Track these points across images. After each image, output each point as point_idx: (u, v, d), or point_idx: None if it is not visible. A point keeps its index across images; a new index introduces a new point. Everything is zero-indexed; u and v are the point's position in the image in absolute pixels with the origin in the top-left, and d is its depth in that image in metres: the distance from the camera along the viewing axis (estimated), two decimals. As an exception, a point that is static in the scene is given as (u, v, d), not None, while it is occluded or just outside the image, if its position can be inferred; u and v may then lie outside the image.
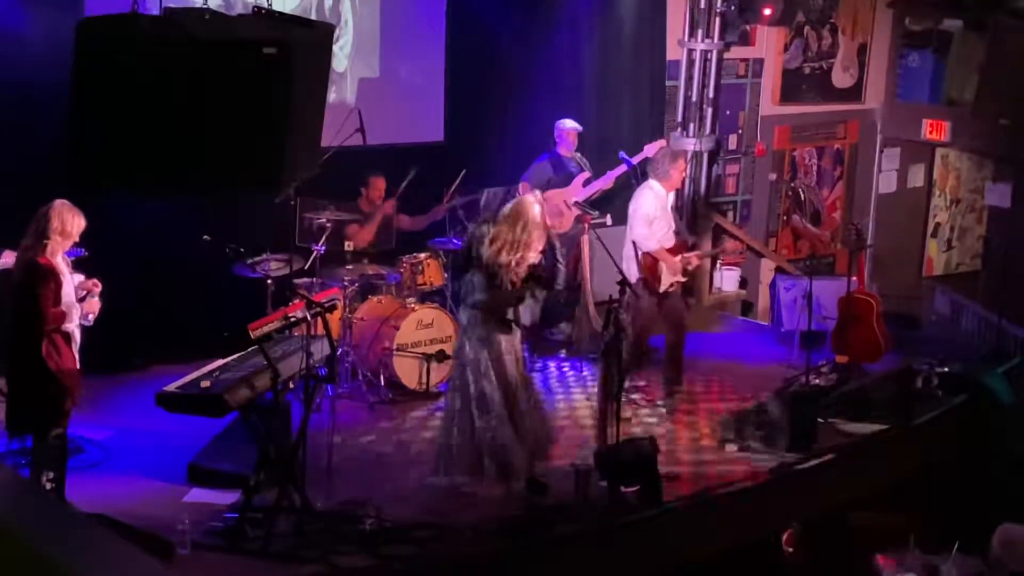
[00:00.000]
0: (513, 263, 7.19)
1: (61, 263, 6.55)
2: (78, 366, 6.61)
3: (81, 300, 6.69)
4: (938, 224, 14.45)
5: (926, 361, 9.47)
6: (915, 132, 13.16)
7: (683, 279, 8.98)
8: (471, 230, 7.61)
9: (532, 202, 7.32)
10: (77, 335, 6.67)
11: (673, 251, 8.85)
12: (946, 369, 9.35)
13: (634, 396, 8.84)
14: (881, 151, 13.71)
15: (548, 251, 7.56)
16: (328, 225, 8.63)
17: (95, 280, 6.81)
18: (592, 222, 9.66)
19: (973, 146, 13.50)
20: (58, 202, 6.55)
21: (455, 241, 9.17)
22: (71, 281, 6.62)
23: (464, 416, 7.31)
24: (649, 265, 8.74)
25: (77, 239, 6.63)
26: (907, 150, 13.83)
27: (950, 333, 10.94)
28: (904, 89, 13.43)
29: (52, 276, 6.42)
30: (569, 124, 10.14)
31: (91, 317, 6.76)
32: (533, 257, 7.30)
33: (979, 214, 14.60)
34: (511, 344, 7.33)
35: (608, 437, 7.64)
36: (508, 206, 7.34)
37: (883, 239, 13.51)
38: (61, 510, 4.42)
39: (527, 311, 7.57)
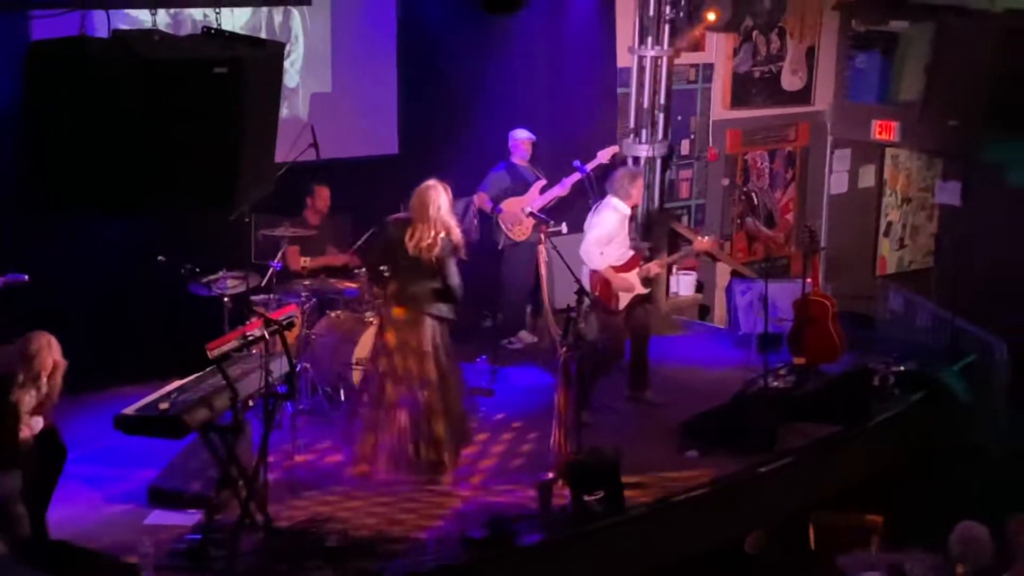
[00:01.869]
0: (431, 243, 7.47)
1: (27, 401, 6.40)
2: None
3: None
4: (890, 223, 14.58)
5: (882, 360, 9.57)
6: (864, 133, 13.28)
7: (644, 290, 8.99)
8: (388, 236, 7.73)
9: (430, 186, 7.60)
10: None
11: (627, 267, 8.87)
12: (902, 368, 9.44)
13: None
14: (832, 152, 13.82)
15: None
16: (284, 241, 8.63)
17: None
18: (548, 231, 9.69)
19: (922, 145, 13.63)
20: (43, 338, 6.41)
21: None
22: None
23: (392, 413, 7.55)
24: (599, 285, 8.74)
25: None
26: (857, 151, 13.95)
27: (905, 331, 11.05)
28: (853, 90, 13.54)
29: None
30: (523, 134, 10.18)
31: None
32: (455, 236, 7.57)
33: (930, 212, 14.75)
34: (433, 338, 7.57)
35: (570, 446, 7.67)
36: (412, 201, 7.61)
37: (836, 239, 13.62)
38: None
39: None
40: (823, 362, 9.62)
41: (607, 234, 8.77)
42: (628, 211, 8.93)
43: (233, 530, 6.57)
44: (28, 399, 6.36)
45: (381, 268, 7.75)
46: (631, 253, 8.96)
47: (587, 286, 8.59)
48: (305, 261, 9.10)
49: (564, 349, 7.78)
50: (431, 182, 7.65)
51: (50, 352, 6.42)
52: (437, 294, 7.61)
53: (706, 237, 10.01)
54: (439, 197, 7.57)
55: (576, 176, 9.98)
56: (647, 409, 9.02)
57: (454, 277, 7.62)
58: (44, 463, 6.49)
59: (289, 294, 8.66)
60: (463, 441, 7.92)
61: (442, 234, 7.52)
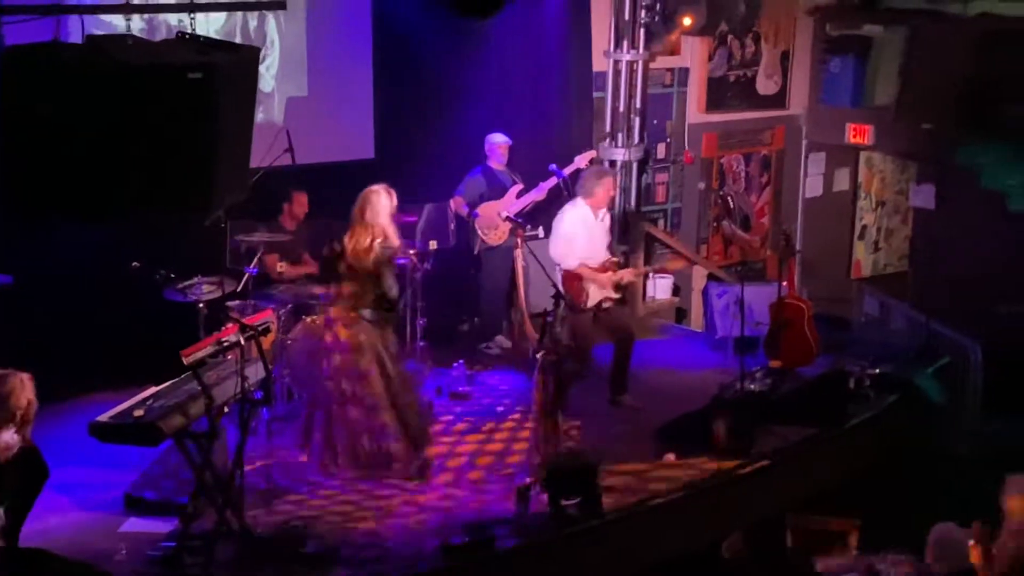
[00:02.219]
0: (366, 248, 7.50)
1: (2, 439, 6.34)
2: None
3: None
4: (865, 226, 14.65)
5: (858, 363, 9.60)
6: (839, 136, 13.34)
7: (616, 295, 8.98)
8: (334, 239, 7.77)
9: (372, 191, 7.64)
10: None
11: (601, 268, 8.87)
12: (877, 370, 9.48)
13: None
14: (807, 156, 13.88)
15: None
16: (259, 246, 8.60)
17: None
18: (524, 235, 9.69)
19: (896, 148, 13.71)
20: (16, 378, 6.27)
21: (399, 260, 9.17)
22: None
23: (343, 410, 7.62)
24: (570, 283, 8.75)
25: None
26: (832, 154, 14.01)
27: (880, 334, 11.08)
28: (827, 94, 13.60)
29: None
30: (499, 138, 10.17)
31: None
32: (392, 242, 7.61)
33: (904, 215, 14.82)
34: (371, 340, 7.62)
35: (546, 451, 7.67)
36: (356, 204, 7.65)
37: (811, 242, 13.67)
38: None
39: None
40: (799, 365, 9.65)
41: (564, 231, 8.80)
42: (588, 210, 8.90)
43: (208, 537, 6.54)
44: (4, 437, 6.30)
45: (331, 270, 7.75)
46: (604, 255, 8.96)
47: (560, 286, 8.61)
48: (282, 267, 9.06)
49: (541, 353, 7.78)
50: (375, 187, 7.66)
51: (23, 391, 6.33)
52: (373, 299, 7.63)
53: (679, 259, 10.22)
54: (379, 202, 7.59)
55: (553, 180, 9.98)
56: (624, 412, 9.02)
57: (391, 288, 7.66)
58: (24, 482, 6.44)
59: (265, 299, 8.63)
60: (421, 442, 7.89)
61: (378, 240, 7.54)
